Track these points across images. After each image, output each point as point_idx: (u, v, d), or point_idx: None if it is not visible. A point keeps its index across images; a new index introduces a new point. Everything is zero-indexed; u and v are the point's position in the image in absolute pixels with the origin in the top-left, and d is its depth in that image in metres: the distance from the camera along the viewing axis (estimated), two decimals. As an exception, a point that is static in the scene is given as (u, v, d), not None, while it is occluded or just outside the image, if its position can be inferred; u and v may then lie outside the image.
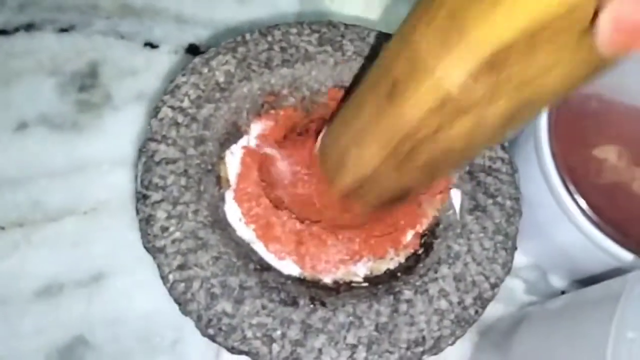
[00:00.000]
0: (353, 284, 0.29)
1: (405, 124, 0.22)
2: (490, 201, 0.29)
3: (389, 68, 0.22)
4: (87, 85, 0.39)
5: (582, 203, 0.32)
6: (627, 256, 0.30)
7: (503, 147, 0.31)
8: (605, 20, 0.15)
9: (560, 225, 0.33)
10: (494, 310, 0.37)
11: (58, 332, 0.33)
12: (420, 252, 0.30)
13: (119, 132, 0.39)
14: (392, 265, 0.30)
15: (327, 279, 0.29)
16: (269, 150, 0.32)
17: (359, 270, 0.30)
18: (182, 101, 0.29)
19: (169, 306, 0.34)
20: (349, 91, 0.32)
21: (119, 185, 0.37)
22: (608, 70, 0.18)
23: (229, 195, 0.29)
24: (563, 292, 0.39)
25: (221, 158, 0.30)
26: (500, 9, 0.17)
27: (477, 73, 0.18)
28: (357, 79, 0.32)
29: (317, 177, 0.30)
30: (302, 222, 0.30)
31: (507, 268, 0.29)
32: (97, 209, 0.36)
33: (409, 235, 0.31)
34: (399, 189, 0.27)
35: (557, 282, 0.40)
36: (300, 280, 0.28)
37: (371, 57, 0.32)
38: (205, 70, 0.30)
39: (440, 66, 0.19)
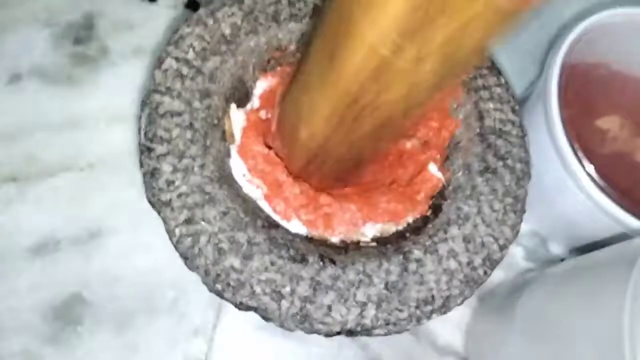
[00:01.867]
0: (361, 244, 0.28)
1: (347, 92, 0.22)
2: (500, 163, 0.29)
3: (328, 33, 0.23)
4: (82, 37, 0.38)
5: (590, 169, 0.31)
6: (634, 222, 0.30)
7: (513, 110, 0.31)
8: None
9: (567, 191, 0.33)
10: (494, 276, 0.37)
11: (54, 290, 0.33)
12: (428, 213, 0.29)
13: (116, 88, 0.37)
14: (400, 226, 0.30)
15: (335, 239, 0.29)
16: (269, 115, 0.31)
17: (368, 231, 0.29)
18: (186, 52, 0.28)
19: (169, 265, 0.34)
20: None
21: (117, 142, 0.36)
22: (516, 23, 0.18)
23: (234, 149, 0.28)
24: (562, 260, 0.40)
25: (226, 112, 0.29)
26: None
27: (405, 34, 0.19)
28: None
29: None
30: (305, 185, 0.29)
31: (516, 230, 0.28)
32: (94, 165, 0.35)
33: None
34: (352, 159, 0.27)
35: (557, 249, 0.40)
36: (308, 239, 0.28)
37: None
38: (211, 21, 0.29)
39: (373, 30, 0.19)
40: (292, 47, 0.31)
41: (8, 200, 0.34)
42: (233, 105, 0.29)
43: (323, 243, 0.28)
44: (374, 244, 0.28)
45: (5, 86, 0.36)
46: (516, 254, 0.39)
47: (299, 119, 0.27)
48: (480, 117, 0.30)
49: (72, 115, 0.36)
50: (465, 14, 0.17)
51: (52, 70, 0.37)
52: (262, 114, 0.30)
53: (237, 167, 0.29)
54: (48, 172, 0.35)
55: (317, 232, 0.29)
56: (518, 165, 0.29)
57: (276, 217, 0.28)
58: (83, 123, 0.36)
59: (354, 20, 0.20)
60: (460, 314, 0.37)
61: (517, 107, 0.31)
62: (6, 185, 0.34)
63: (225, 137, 0.28)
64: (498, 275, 0.38)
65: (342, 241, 0.29)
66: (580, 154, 0.32)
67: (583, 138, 0.32)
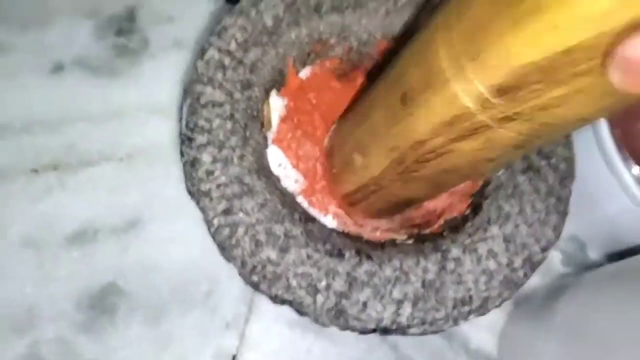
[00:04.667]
0: (397, 242, 0.28)
1: (415, 133, 0.21)
2: (544, 162, 0.28)
3: (406, 73, 0.22)
4: (124, 29, 0.38)
5: (636, 170, 0.30)
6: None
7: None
8: (616, 61, 0.14)
9: (610, 193, 0.32)
10: (530, 281, 0.36)
11: (91, 278, 0.33)
12: (467, 212, 0.29)
13: (155, 80, 0.38)
14: (436, 226, 0.29)
15: (369, 235, 0.28)
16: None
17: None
18: (229, 43, 0.28)
19: (204, 257, 0.34)
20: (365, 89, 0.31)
21: (156, 133, 0.36)
22: (633, 103, 0.17)
23: (270, 137, 0.28)
24: (600, 265, 0.38)
25: (265, 100, 0.29)
26: (522, 33, 0.16)
27: (496, 91, 0.17)
28: (407, 32, 0.31)
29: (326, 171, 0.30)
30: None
31: (558, 232, 0.28)
32: (133, 156, 0.35)
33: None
34: (402, 198, 0.27)
35: (595, 254, 0.39)
36: (344, 234, 0.28)
37: (424, 7, 0.30)
38: (253, 12, 0.29)
39: (460, 80, 0.18)
40: (333, 41, 0.31)
41: (48, 188, 0.34)
42: (274, 92, 0.29)
43: (359, 239, 0.28)
44: (410, 241, 0.28)
45: (48, 76, 0.37)
46: (554, 259, 0.38)
47: (355, 147, 0.26)
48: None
49: (112, 106, 0.37)
50: (570, 85, 0.16)
51: (94, 61, 0.37)
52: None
53: (274, 156, 0.29)
54: (88, 162, 0.35)
55: (353, 229, 0.28)
56: (562, 165, 0.29)
57: (313, 211, 0.28)
58: (123, 114, 0.36)
59: (440, 69, 0.19)
60: (494, 318, 0.36)
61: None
62: (46, 174, 0.35)
63: (263, 125, 0.28)
64: (535, 280, 0.37)
65: (378, 239, 0.28)
66: (625, 154, 0.31)
67: (628, 138, 0.31)
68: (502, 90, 0.17)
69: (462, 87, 0.18)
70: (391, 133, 0.23)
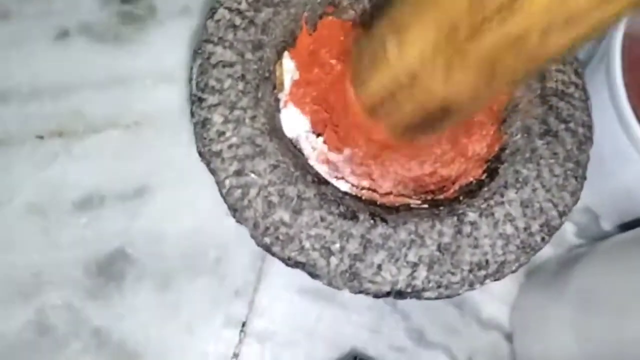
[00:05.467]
0: (412, 206, 0.28)
1: None
2: (562, 126, 0.28)
3: None
4: (130, -5, 0.38)
5: (655, 136, 0.30)
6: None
7: (577, 73, 0.29)
8: None
9: (628, 160, 0.31)
10: (542, 251, 0.36)
11: (98, 245, 0.33)
12: (484, 177, 0.28)
13: (162, 47, 0.37)
14: (450, 192, 0.29)
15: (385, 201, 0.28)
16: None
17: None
18: (239, 3, 0.27)
19: (213, 224, 0.33)
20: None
21: (163, 100, 0.35)
22: None
23: (284, 98, 0.28)
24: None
25: (278, 60, 0.28)
26: None
27: None
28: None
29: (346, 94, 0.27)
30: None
31: (576, 197, 0.27)
32: (140, 123, 0.35)
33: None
34: (440, 102, 0.23)
35: (608, 226, 0.38)
36: (358, 198, 0.27)
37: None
38: (265, -28, 0.28)
39: None
40: (345, 2, 0.30)
41: (54, 155, 0.34)
42: (286, 53, 0.28)
43: (373, 202, 0.27)
44: (425, 205, 0.27)
45: (53, 43, 0.36)
46: (567, 230, 0.38)
47: (389, 32, 0.22)
48: (542, 78, 0.28)
49: (118, 73, 0.36)
50: None
51: (99, 28, 0.37)
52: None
53: (288, 117, 0.28)
54: (94, 129, 0.35)
55: (367, 193, 0.28)
56: (580, 130, 0.28)
57: (327, 175, 0.27)
58: (129, 81, 0.36)
59: None
60: (506, 289, 0.36)
61: (580, 69, 0.29)
62: (52, 140, 0.34)
63: (275, 86, 0.28)
64: (548, 251, 0.36)
65: (392, 203, 0.28)
66: (644, 119, 0.30)
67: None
68: None
69: None
70: (436, 2, 0.19)
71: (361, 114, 0.27)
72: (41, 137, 0.34)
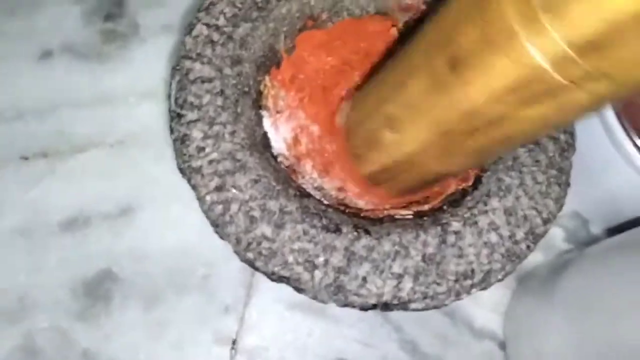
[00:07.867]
0: (396, 217, 0.27)
1: (467, 102, 0.19)
2: (544, 133, 0.28)
3: (454, 33, 0.19)
4: (113, 14, 0.38)
5: (639, 142, 0.30)
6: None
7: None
8: None
9: (613, 166, 0.31)
10: (533, 258, 0.36)
11: (84, 266, 0.32)
12: (466, 186, 0.28)
13: (145, 64, 0.37)
14: (436, 202, 0.29)
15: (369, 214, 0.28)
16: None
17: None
18: (217, 19, 0.27)
19: (200, 242, 0.33)
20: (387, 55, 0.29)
21: (146, 118, 0.35)
22: None
23: (267, 116, 0.28)
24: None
25: (259, 81, 0.28)
26: None
27: (580, 50, 0.15)
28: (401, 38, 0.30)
29: (341, 148, 0.28)
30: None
31: (560, 204, 0.27)
32: (123, 142, 0.35)
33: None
34: (435, 174, 0.25)
35: (597, 230, 0.38)
36: (341, 210, 0.27)
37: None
38: (242, -13, 0.28)
39: (533, 35, 0.16)
40: (324, 16, 0.30)
41: (39, 175, 0.34)
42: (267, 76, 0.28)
43: (356, 215, 0.27)
44: (410, 216, 0.27)
45: (36, 62, 0.36)
46: (556, 235, 0.38)
47: (384, 122, 0.24)
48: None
49: (102, 92, 0.36)
50: None
51: (82, 46, 0.37)
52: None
53: (274, 135, 0.28)
54: (78, 148, 0.34)
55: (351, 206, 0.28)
56: (562, 136, 0.28)
57: (309, 188, 0.27)
58: (113, 99, 0.36)
59: (505, 23, 0.16)
60: (497, 297, 0.35)
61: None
62: (36, 160, 0.34)
63: (258, 104, 0.28)
64: (537, 257, 0.36)
65: (375, 213, 0.28)
66: (628, 126, 0.30)
67: (631, 111, 0.31)
68: (591, 47, 0.15)
69: (535, 43, 0.16)
70: (435, 104, 0.20)
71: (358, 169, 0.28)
72: (26, 158, 0.34)
